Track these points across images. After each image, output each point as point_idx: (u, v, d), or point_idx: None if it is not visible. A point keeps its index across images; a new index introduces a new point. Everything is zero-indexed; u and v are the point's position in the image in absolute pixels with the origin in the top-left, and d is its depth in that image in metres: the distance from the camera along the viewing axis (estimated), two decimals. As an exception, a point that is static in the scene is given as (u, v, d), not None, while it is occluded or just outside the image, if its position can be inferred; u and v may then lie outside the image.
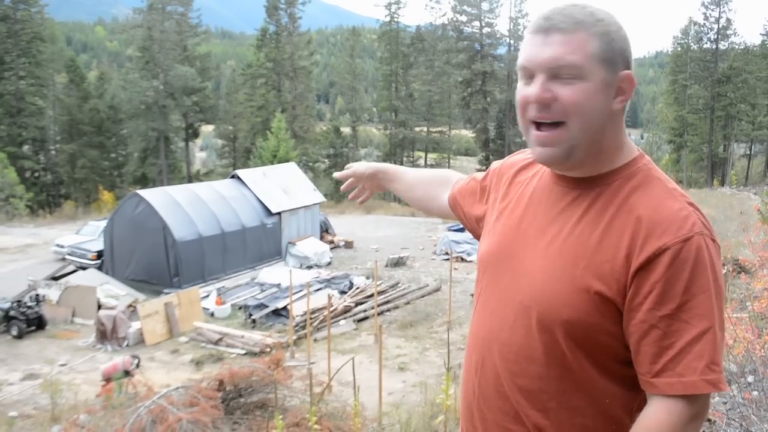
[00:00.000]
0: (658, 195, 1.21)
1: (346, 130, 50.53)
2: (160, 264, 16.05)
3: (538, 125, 1.22)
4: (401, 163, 51.19)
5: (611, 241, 1.18)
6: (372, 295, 14.39)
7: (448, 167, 51.09)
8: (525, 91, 1.23)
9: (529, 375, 1.25)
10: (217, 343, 12.57)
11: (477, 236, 1.62)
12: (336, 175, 1.90)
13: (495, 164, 1.58)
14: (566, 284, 1.20)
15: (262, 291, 15.79)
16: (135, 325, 13.04)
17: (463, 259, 18.82)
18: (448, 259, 17.91)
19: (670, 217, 1.16)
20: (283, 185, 20.34)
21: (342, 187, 1.92)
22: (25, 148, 41.63)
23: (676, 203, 1.19)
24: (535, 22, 1.23)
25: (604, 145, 1.24)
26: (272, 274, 16.98)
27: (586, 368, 1.21)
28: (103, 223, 18.53)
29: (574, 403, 1.23)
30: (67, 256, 18.33)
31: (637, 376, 1.19)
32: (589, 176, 1.26)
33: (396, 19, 50.83)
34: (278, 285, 15.79)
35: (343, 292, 15.53)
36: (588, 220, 1.23)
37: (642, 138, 73.88)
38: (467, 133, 59.79)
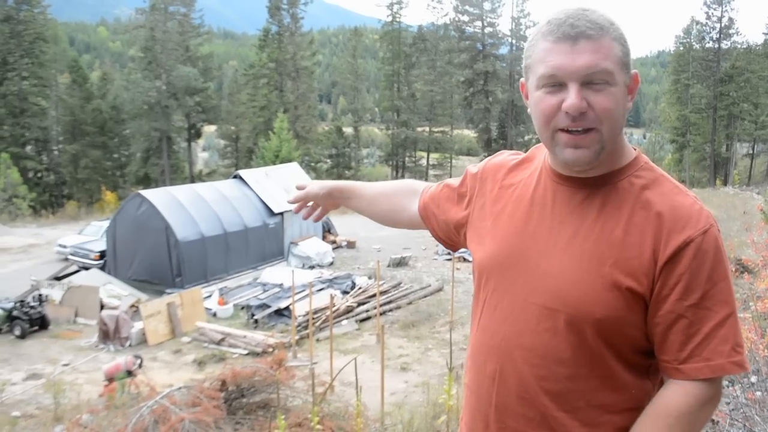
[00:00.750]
0: (670, 191, 1.25)
1: (348, 130, 50.58)
2: (162, 264, 16.06)
3: (568, 129, 1.22)
4: (404, 163, 51.25)
5: (635, 238, 1.21)
6: (374, 295, 14.39)
7: (450, 167, 51.32)
8: (552, 100, 1.21)
9: (557, 377, 1.26)
10: (219, 343, 12.57)
11: (451, 244, 1.59)
12: (288, 200, 1.84)
13: (471, 168, 1.54)
14: (596, 283, 1.22)
15: (265, 291, 15.78)
16: (137, 325, 13.04)
17: (465, 259, 18.78)
18: (450, 259, 17.89)
19: (688, 212, 1.21)
20: (286, 185, 20.33)
21: (294, 209, 1.83)
22: (28, 148, 41.69)
23: (687, 198, 1.24)
24: (556, 29, 1.19)
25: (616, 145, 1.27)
26: (274, 274, 16.97)
27: (611, 362, 1.24)
28: (106, 224, 18.54)
29: (601, 399, 1.25)
30: (70, 257, 18.35)
31: (661, 364, 1.24)
32: (595, 176, 1.27)
33: (398, 19, 50.91)
34: (280, 285, 15.78)
35: (345, 292, 15.52)
36: (605, 218, 1.25)
37: (644, 137, 73.64)
38: (469, 133, 59.78)
